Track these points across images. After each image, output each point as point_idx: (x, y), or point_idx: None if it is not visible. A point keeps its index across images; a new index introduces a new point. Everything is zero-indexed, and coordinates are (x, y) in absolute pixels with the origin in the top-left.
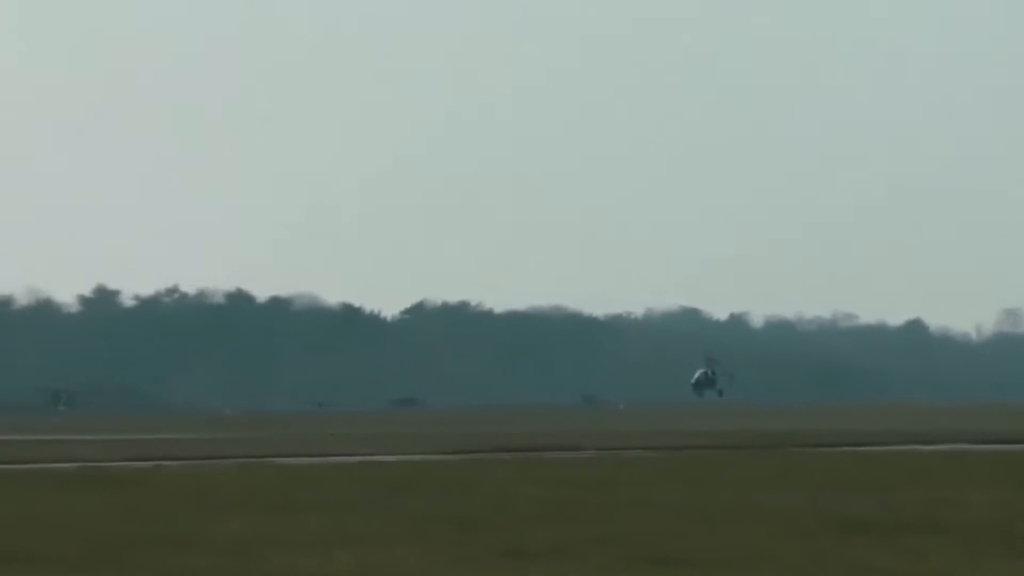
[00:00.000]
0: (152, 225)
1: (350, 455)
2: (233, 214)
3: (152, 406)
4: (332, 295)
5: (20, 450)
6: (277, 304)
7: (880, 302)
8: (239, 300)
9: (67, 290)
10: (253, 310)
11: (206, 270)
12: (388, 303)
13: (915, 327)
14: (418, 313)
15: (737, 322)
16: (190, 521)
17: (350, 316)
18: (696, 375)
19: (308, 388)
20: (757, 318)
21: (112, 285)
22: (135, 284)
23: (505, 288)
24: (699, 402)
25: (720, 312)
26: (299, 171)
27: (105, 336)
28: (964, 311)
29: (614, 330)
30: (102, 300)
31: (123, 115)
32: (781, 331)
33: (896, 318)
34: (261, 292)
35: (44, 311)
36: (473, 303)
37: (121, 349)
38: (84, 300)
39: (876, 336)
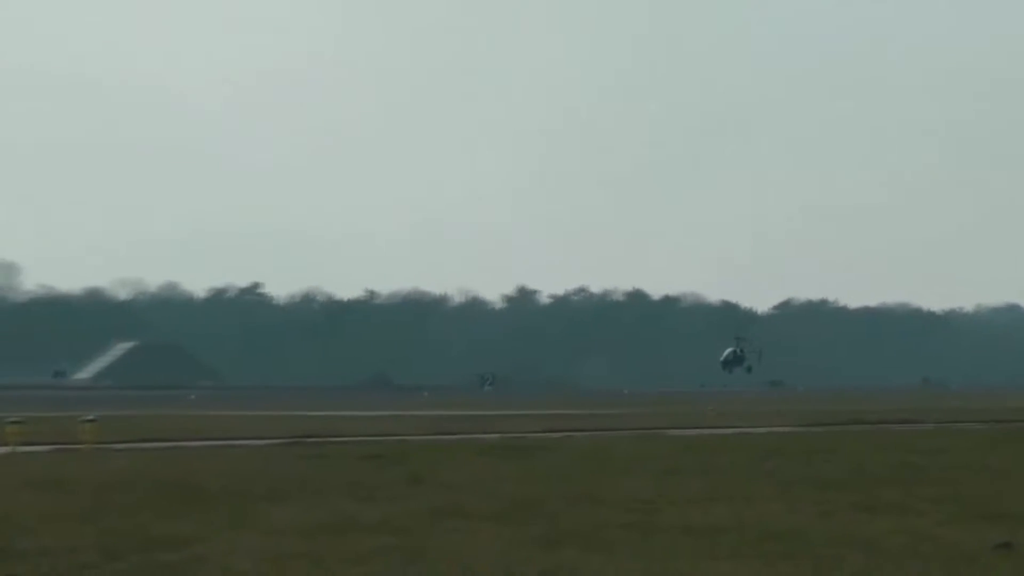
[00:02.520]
0: (568, 235)
1: (727, 427)
2: (631, 228)
3: (562, 387)
4: (713, 294)
5: (454, 424)
6: (668, 302)
7: None
8: (636, 298)
9: (493, 290)
10: (647, 306)
11: (607, 273)
12: (760, 301)
13: None
14: (785, 308)
15: None
16: (594, 482)
17: (728, 312)
18: (724, 354)
19: (692, 372)
20: None
21: (531, 286)
22: (549, 285)
23: (858, 287)
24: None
25: None
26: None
27: (524, 328)
28: None
29: (949, 322)
30: (522, 299)
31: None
32: None
33: None
34: (655, 291)
35: (474, 308)
36: (831, 300)
37: (537, 339)
38: (507, 299)
39: None
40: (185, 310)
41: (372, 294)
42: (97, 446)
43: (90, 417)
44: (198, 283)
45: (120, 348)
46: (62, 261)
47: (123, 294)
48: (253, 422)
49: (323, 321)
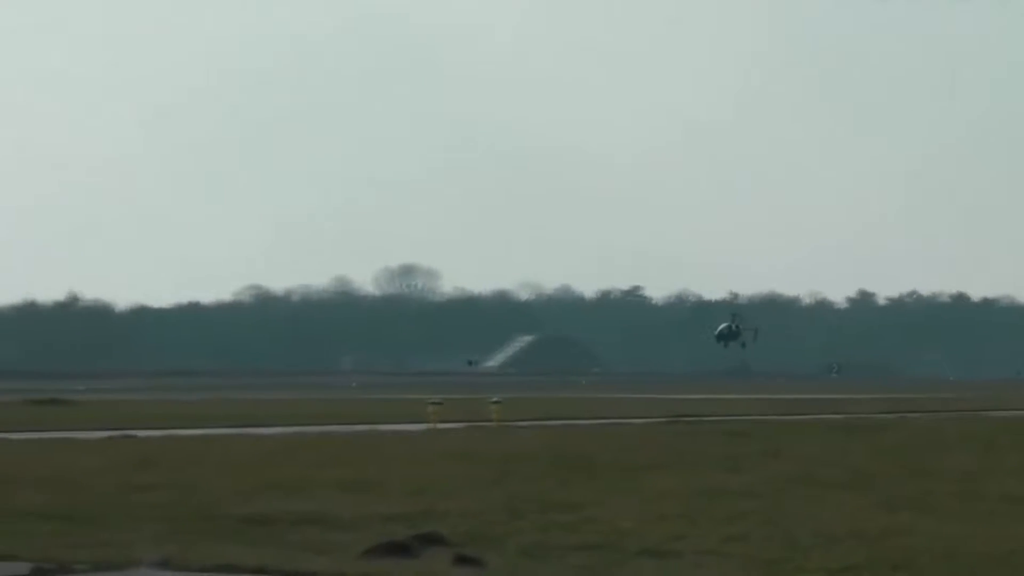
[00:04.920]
0: (906, 236)
1: None
2: (958, 234)
3: (898, 375)
4: None
5: (805, 406)
6: (986, 303)
7: None
8: (959, 300)
9: (838, 291)
10: (969, 308)
11: (935, 275)
12: None
13: None
14: None
15: None
16: (925, 456)
17: None
18: (719, 328)
19: (1012, 362)
20: None
21: (869, 288)
22: (886, 287)
23: None
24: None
25: None
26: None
27: (865, 324)
28: None
29: None
30: (862, 299)
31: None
32: None
33: None
34: (975, 293)
35: (821, 307)
36: None
37: (876, 335)
38: (849, 299)
39: None
40: (576, 309)
41: (735, 295)
42: (503, 423)
43: (496, 399)
44: (587, 286)
45: (521, 341)
46: (474, 266)
47: (524, 295)
48: (636, 404)
49: (692, 318)
